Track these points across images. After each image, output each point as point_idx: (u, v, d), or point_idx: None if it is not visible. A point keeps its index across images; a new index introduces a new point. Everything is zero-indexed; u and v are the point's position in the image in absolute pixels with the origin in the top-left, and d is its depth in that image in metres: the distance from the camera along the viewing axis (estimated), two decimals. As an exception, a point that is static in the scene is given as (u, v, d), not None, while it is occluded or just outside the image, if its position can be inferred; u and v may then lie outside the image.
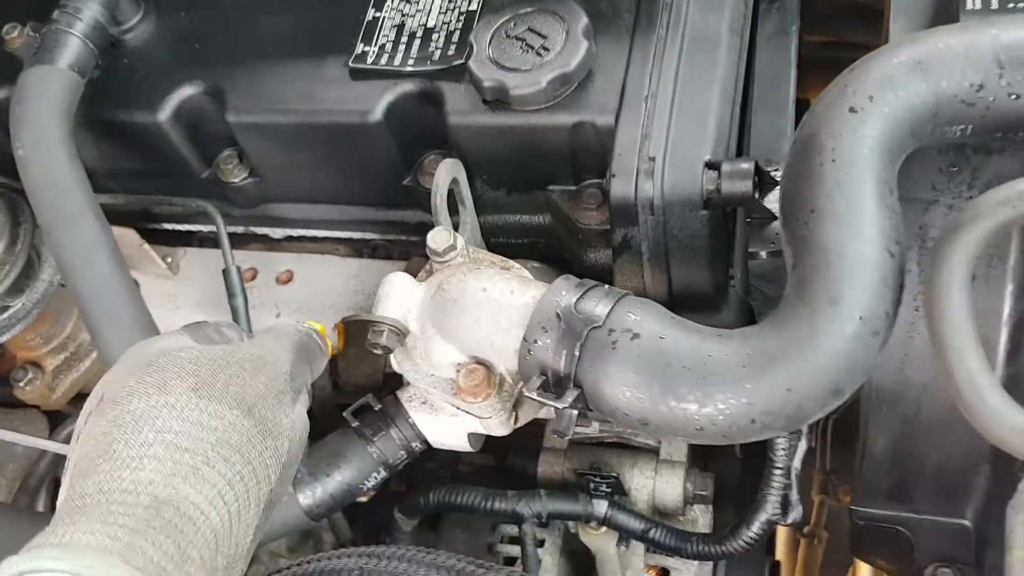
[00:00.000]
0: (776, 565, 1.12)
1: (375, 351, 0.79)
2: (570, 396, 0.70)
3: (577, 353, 0.70)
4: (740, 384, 0.66)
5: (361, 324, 0.80)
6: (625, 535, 0.91)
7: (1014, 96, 0.67)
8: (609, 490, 0.90)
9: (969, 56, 0.68)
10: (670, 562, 0.96)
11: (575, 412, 0.76)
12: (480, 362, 0.77)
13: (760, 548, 1.02)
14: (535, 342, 0.72)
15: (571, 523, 0.93)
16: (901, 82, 0.68)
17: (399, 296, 0.80)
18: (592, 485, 0.90)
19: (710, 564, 1.00)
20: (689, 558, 0.90)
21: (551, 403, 0.70)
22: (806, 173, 0.68)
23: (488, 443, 0.99)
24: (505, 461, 1.09)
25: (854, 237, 0.65)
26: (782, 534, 1.70)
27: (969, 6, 0.80)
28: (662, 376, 0.68)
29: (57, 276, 0.99)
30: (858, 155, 0.67)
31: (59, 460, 1.07)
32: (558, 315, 0.71)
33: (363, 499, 0.97)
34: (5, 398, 1.16)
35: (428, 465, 1.10)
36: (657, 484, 0.93)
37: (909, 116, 0.69)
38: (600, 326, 0.70)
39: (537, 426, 1.02)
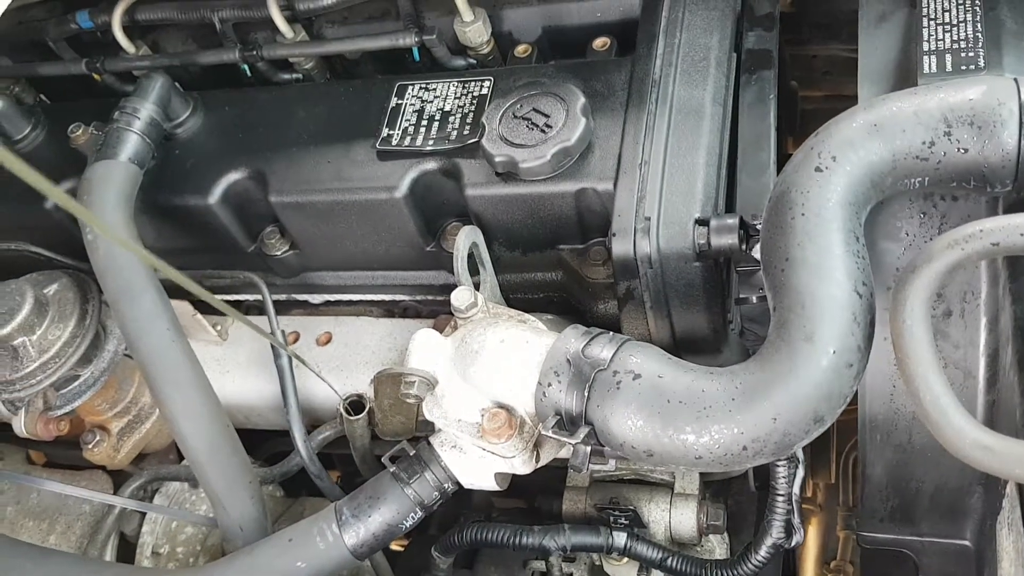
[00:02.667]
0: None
1: (408, 400, 0.88)
2: (582, 432, 0.78)
3: (586, 394, 0.79)
4: (731, 416, 0.74)
5: (395, 377, 0.89)
6: (645, 564, 0.98)
7: (962, 150, 0.76)
8: (628, 522, 0.97)
9: (919, 117, 0.77)
10: (688, 590, 1.03)
11: (588, 448, 0.85)
12: (502, 406, 0.86)
13: (771, 571, 1.09)
14: (549, 385, 0.81)
15: (595, 556, 1.01)
16: (860, 143, 0.78)
17: (427, 350, 0.89)
18: (612, 518, 0.98)
19: (727, 591, 1.06)
20: (703, 582, 0.98)
21: (566, 440, 0.79)
22: (780, 226, 0.77)
23: (517, 486, 1.07)
24: (533, 503, 1.17)
25: (824, 281, 0.74)
26: (810, 570, 1.75)
27: (926, 70, 0.89)
28: (662, 411, 0.76)
29: (121, 346, 1.09)
30: (824, 208, 0.76)
31: (123, 515, 1.16)
32: (568, 360, 0.80)
33: (397, 547, 1.06)
34: (72, 460, 1.26)
35: (464, 512, 1.18)
36: (673, 516, 1.00)
37: (869, 172, 0.78)
38: (605, 368, 0.79)
39: (562, 469, 1.10)
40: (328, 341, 1.18)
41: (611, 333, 0.84)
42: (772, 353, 0.75)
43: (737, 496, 1.17)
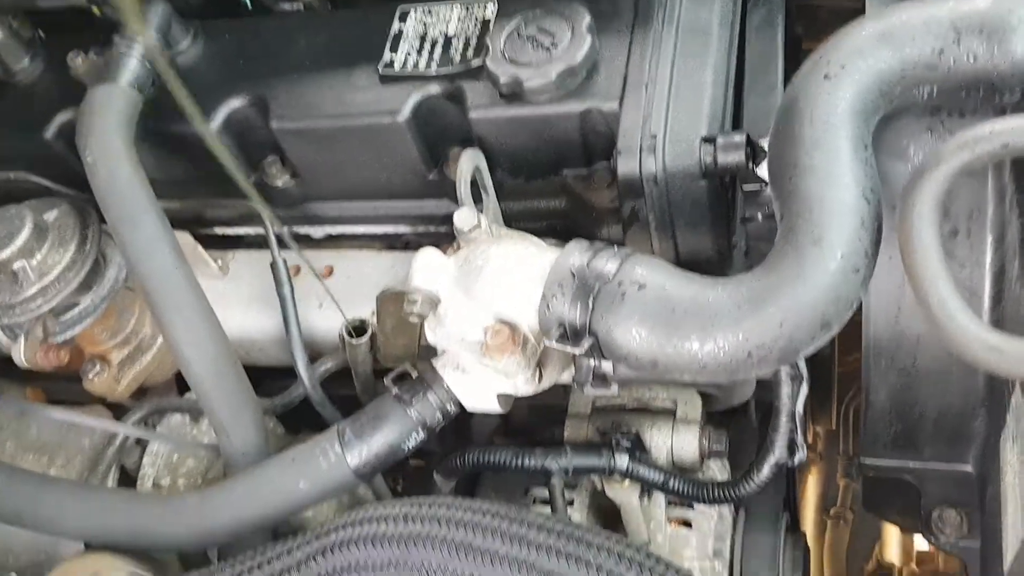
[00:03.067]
0: (801, 536, 1.18)
1: (411, 319, 0.88)
2: (586, 343, 0.78)
3: (591, 305, 0.78)
4: (736, 323, 0.74)
5: (397, 296, 0.88)
6: (646, 487, 0.98)
7: (972, 58, 0.75)
8: (630, 445, 0.97)
9: (928, 26, 0.76)
10: (691, 515, 1.03)
11: (592, 362, 0.85)
12: (505, 322, 0.85)
13: (775, 505, 1.10)
14: (553, 298, 0.80)
15: (597, 481, 1.01)
16: (869, 51, 0.77)
17: (430, 269, 0.89)
18: (614, 441, 0.98)
19: (729, 519, 1.07)
20: (706, 503, 0.98)
21: (570, 349, 0.78)
22: (788, 135, 0.77)
23: (520, 426, 1.07)
24: (535, 439, 1.17)
25: (832, 186, 0.73)
26: (810, 517, 1.76)
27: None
28: (667, 320, 0.76)
29: (122, 274, 1.09)
30: (833, 116, 0.76)
31: (124, 448, 1.16)
32: (572, 273, 0.80)
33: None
34: (72, 396, 1.26)
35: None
36: (675, 441, 1.00)
37: (877, 80, 0.77)
38: (610, 280, 0.79)
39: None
40: (330, 274, 1.17)
41: (616, 247, 0.83)
42: (779, 259, 0.75)
43: (739, 429, 1.17)
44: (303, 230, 1.17)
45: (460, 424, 1.25)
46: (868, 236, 0.73)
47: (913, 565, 1.60)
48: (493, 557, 0.80)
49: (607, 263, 0.80)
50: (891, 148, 0.89)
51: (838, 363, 1.59)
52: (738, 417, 1.16)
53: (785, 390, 0.88)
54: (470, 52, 0.99)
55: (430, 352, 0.97)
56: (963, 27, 0.75)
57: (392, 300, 0.92)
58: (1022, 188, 0.82)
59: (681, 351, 0.75)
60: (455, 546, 0.82)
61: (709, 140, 0.87)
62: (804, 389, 0.88)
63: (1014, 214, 0.83)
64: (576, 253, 0.82)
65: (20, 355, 1.08)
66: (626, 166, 0.89)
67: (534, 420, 1.21)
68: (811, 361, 1.31)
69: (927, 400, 0.96)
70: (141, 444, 1.18)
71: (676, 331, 0.75)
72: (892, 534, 1.69)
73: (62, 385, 1.27)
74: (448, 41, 1.02)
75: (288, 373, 1.12)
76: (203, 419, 1.18)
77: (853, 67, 0.77)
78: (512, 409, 1.19)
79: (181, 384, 1.24)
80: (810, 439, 1.65)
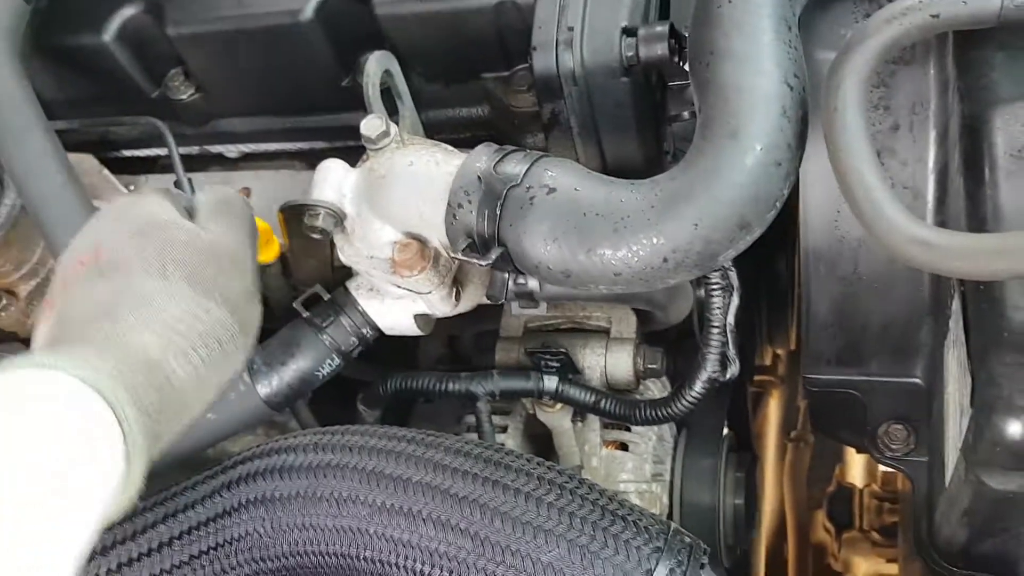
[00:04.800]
0: (747, 457, 1.14)
1: (313, 235, 0.82)
2: (494, 254, 0.72)
3: (498, 212, 0.72)
4: (650, 225, 0.68)
5: (299, 211, 0.82)
6: (578, 409, 0.93)
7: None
8: (558, 365, 0.92)
9: None
10: (628, 437, 0.98)
11: (507, 276, 0.79)
12: (414, 237, 0.79)
13: (717, 425, 1.05)
14: (459, 207, 0.74)
15: (529, 406, 0.96)
16: (792, -78, 0.70)
17: (334, 180, 0.82)
18: (543, 363, 0.93)
19: (669, 439, 1.02)
20: (639, 423, 0.93)
21: (476, 261, 0.72)
22: (707, 17, 0.70)
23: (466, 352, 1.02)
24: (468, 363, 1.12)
25: (751, 72, 0.67)
26: (771, 442, 1.72)
27: None
28: (578, 226, 0.70)
29: (19, 201, 1.01)
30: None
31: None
32: (479, 178, 0.74)
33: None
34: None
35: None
36: (608, 360, 0.95)
37: (802, -44, 0.70)
38: (518, 184, 0.72)
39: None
40: (248, 194, 1.10)
41: (526, 150, 0.77)
42: (695, 155, 0.69)
43: (685, 351, 1.12)
44: (215, 149, 1.10)
45: (405, 355, 1.20)
46: (791, 127, 0.67)
47: (875, 486, 1.58)
48: (407, 484, 0.76)
49: (514, 166, 0.73)
50: (825, 39, 0.82)
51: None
52: (683, 338, 1.11)
53: (716, 302, 0.83)
54: (375, -58, 0.91)
55: (345, 274, 0.91)
56: None
57: (295, 216, 0.85)
58: (963, 73, 0.76)
59: (593, 258, 0.69)
60: (367, 474, 0.77)
61: (630, 32, 0.80)
62: (735, 300, 0.82)
63: (956, 101, 0.77)
64: (484, 157, 0.75)
65: (-84, 290, 1.01)
66: (542, 63, 0.82)
67: (481, 348, 1.16)
68: (768, 279, 1.27)
69: (871, 310, 0.91)
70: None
71: (587, 237, 0.69)
72: (854, 456, 1.66)
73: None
74: (353, -69, 0.93)
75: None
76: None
77: (776, -59, 0.69)
78: (458, 338, 1.14)
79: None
80: (768, 361, 1.60)
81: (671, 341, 1.07)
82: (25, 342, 1.14)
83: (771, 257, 1.20)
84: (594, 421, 0.96)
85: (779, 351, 1.73)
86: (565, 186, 0.72)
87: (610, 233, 0.69)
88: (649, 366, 0.95)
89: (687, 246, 0.67)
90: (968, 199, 0.71)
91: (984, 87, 0.74)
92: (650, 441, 0.98)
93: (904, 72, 0.82)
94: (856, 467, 1.67)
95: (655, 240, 0.68)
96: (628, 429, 0.98)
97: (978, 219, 0.70)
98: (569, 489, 0.75)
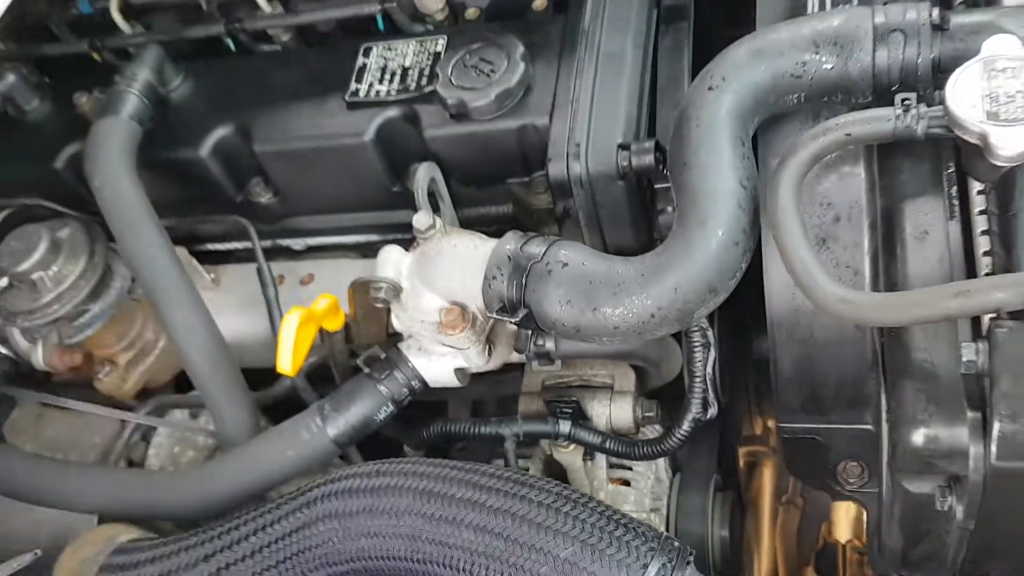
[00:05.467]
0: (731, 495, 1.30)
1: (377, 304, 1.03)
2: (520, 313, 0.93)
3: (524, 282, 0.94)
4: (641, 290, 0.89)
5: (365, 285, 1.04)
6: (588, 448, 1.13)
7: (828, 67, 0.92)
8: (571, 411, 1.12)
9: (793, 42, 0.93)
10: (630, 475, 1.17)
11: (529, 333, 1.00)
12: (456, 303, 1.01)
13: (707, 468, 1.24)
14: (493, 278, 0.96)
15: (547, 447, 1.16)
16: (745, 65, 0.93)
17: (393, 261, 1.05)
18: (558, 410, 1.13)
19: (666, 481, 1.21)
20: (639, 459, 1.12)
21: (507, 319, 0.94)
22: (681, 137, 0.93)
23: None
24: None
25: (713, 177, 0.89)
26: (766, 507, 1.89)
27: (810, 9, 1.05)
28: (585, 291, 0.91)
29: (126, 284, 1.24)
30: (716, 120, 0.92)
31: (131, 445, 1.30)
32: (509, 257, 0.96)
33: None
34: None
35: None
36: (612, 410, 1.15)
37: (753, 90, 0.93)
38: (539, 261, 0.94)
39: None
40: (310, 281, 1.32)
41: (545, 235, 0.99)
42: (673, 239, 0.91)
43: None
44: (285, 243, 1.33)
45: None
46: (746, 216, 0.89)
47: (856, 542, 1.73)
48: (451, 499, 0.95)
49: (536, 247, 0.95)
50: (776, 149, 1.05)
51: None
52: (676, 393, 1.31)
53: (698, 356, 1.03)
54: (424, 80, 1.16)
55: (397, 339, 1.12)
56: (821, 41, 0.92)
57: (361, 289, 1.07)
58: (883, 176, 0.98)
59: (597, 316, 0.91)
60: (418, 492, 0.96)
61: (624, 147, 1.03)
62: (713, 354, 1.03)
63: (878, 199, 0.99)
64: (512, 241, 0.97)
65: (39, 358, 1.23)
66: (556, 170, 1.05)
67: (502, 411, 1.35)
68: (755, 359, 1.47)
69: (826, 368, 1.10)
70: (146, 440, 1.32)
71: (592, 299, 0.91)
72: (839, 515, 1.82)
73: (73, 391, 1.41)
74: (405, 72, 1.18)
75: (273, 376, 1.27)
76: (202, 414, 1.33)
77: (732, 79, 0.93)
78: (483, 403, 1.34)
79: (180, 387, 1.38)
80: (759, 430, 1.79)
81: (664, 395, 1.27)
82: (121, 405, 1.34)
83: (754, 338, 1.41)
84: (601, 460, 1.16)
85: (769, 423, 1.93)
86: (575, 262, 0.94)
87: (610, 296, 0.90)
88: (646, 414, 1.15)
89: (669, 305, 0.89)
90: (885, 271, 0.93)
91: (895, 186, 0.97)
92: (649, 479, 1.17)
93: (843, 175, 1.04)
94: (841, 525, 1.83)
95: (645, 301, 0.89)
96: (630, 469, 1.18)
97: (892, 285, 0.91)
98: (580, 503, 0.94)
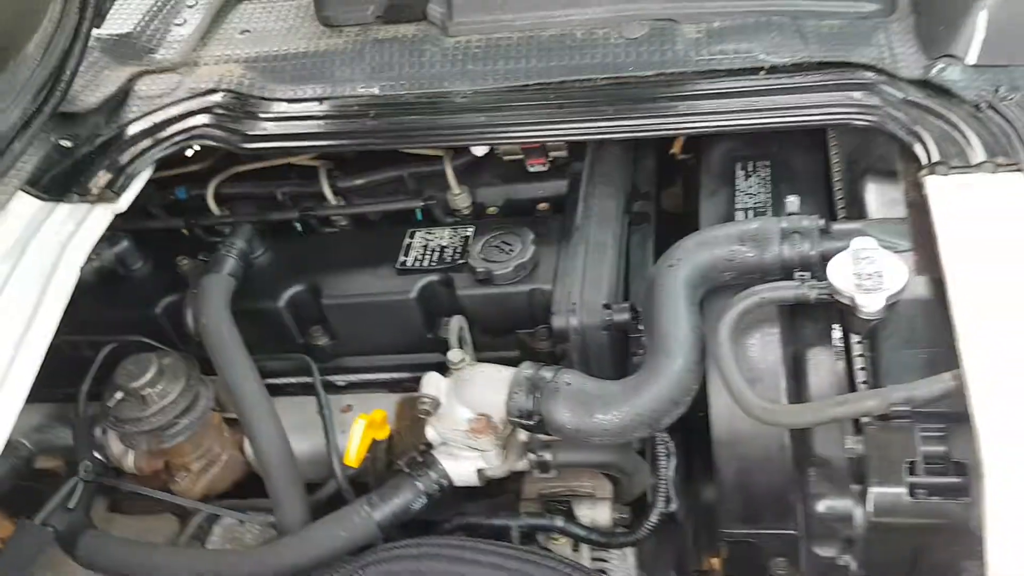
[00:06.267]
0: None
1: (420, 415, 1.37)
2: (534, 420, 1.28)
3: (538, 396, 1.29)
4: (624, 402, 1.25)
5: (412, 400, 1.38)
6: (575, 540, 1.44)
7: (750, 256, 1.33)
8: (564, 510, 1.44)
9: (727, 237, 1.34)
10: (608, 566, 1.48)
11: (540, 436, 1.34)
12: (483, 415, 1.35)
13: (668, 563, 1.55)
14: (515, 394, 1.31)
15: (543, 539, 1.46)
16: (694, 251, 1.34)
17: (434, 383, 1.39)
18: (552, 510, 1.45)
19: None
20: (616, 547, 1.44)
21: (524, 423, 1.28)
22: (650, 297, 1.32)
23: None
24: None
25: (674, 324, 1.28)
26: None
27: (738, 218, 1.48)
28: (584, 403, 1.27)
29: (210, 405, 1.55)
30: (674, 288, 1.31)
31: (191, 539, 1.57)
32: (527, 378, 1.31)
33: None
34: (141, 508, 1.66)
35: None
36: (594, 513, 1.47)
37: (699, 268, 1.34)
38: (550, 381, 1.30)
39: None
40: (348, 410, 1.65)
41: (553, 365, 1.35)
42: (645, 368, 1.28)
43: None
44: (331, 378, 1.67)
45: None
46: (696, 352, 1.27)
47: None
48: (476, 563, 1.25)
49: (547, 372, 1.32)
50: (717, 309, 1.44)
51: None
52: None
53: (662, 463, 1.38)
54: (457, 255, 1.56)
55: (430, 447, 1.45)
56: (745, 238, 1.33)
57: (408, 403, 1.41)
58: (791, 331, 1.37)
59: (592, 420, 1.26)
60: (451, 559, 1.27)
61: (607, 306, 1.42)
62: (673, 461, 1.38)
63: (788, 346, 1.38)
64: (529, 367, 1.34)
65: (130, 461, 1.52)
66: (558, 322, 1.43)
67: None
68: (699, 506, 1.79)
69: (759, 480, 1.45)
70: (199, 539, 1.58)
71: (589, 408, 1.26)
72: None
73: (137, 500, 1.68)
74: (442, 249, 1.58)
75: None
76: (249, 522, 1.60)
77: (685, 260, 1.34)
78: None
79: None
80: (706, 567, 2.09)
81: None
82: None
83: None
84: (585, 549, 1.46)
85: (713, 560, 2.22)
86: (576, 382, 1.30)
87: (602, 406, 1.26)
88: (620, 516, 1.47)
89: (644, 413, 1.24)
90: (794, 394, 1.31)
91: (800, 338, 1.36)
92: (627, 564, 1.48)
93: (764, 334, 1.43)
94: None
95: (627, 410, 1.25)
96: (606, 561, 1.48)
97: (797, 402, 1.29)
98: (579, 570, 1.25)
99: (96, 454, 1.56)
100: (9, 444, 1.50)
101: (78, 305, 1.53)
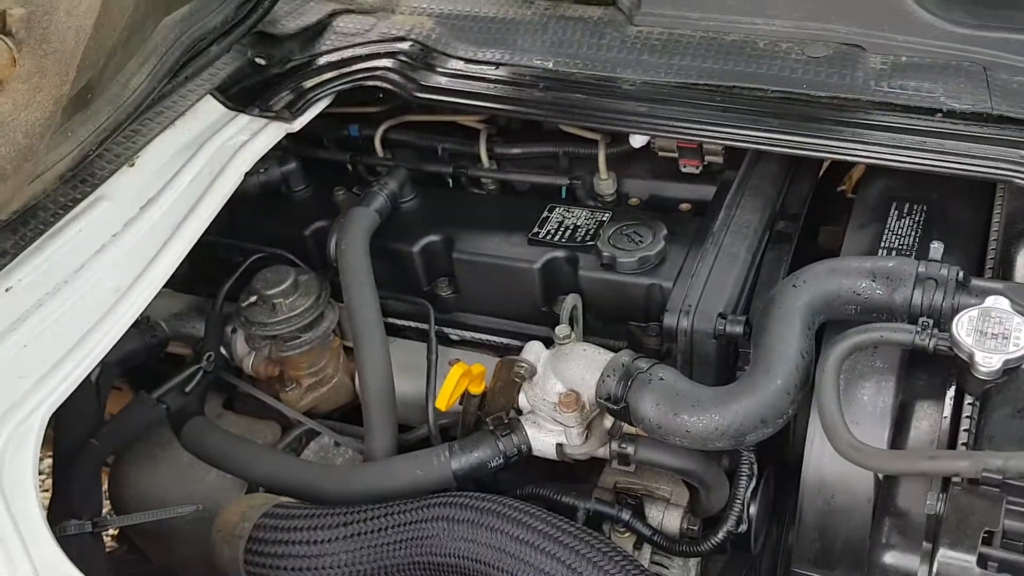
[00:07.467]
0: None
1: (515, 379, 1.40)
2: (621, 405, 1.29)
3: (628, 384, 1.30)
4: (712, 409, 1.24)
5: (510, 363, 1.42)
6: (639, 538, 1.43)
7: (880, 293, 1.28)
8: (634, 504, 1.44)
9: (859, 270, 1.30)
10: (667, 573, 1.46)
11: (623, 424, 1.35)
12: (574, 390, 1.37)
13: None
14: (607, 377, 1.32)
15: (607, 530, 1.46)
16: (823, 277, 1.31)
17: (536, 351, 1.42)
18: (624, 501, 1.45)
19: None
20: (677, 555, 1.42)
21: (610, 407, 1.29)
22: (766, 312, 1.30)
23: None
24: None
25: (782, 343, 1.25)
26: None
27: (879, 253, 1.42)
28: (671, 400, 1.26)
29: (332, 326, 1.65)
30: (793, 307, 1.28)
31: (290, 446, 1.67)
32: (622, 365, 1.32)
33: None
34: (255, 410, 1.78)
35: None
36: (665, 516, 1.46)
37: (824, 294, 1.30)
38: (643, 372, 1.30)
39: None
40: (455, 363, 1.70)
41: (650, 358, 1.35)
42: (744, 379, 1.26)
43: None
44: (446, 330, 1.73)
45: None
46: (799, 376, 1.23)
47: None
48: (534, 529, 1.26)
49: (643, 363, 1.32)
50: (834, 342, 1.39)
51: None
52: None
53: (742, 481, 1.35)
54: (588, 237, 1.58)
55: (518, 414, 1.48)
56: (878, 274, 1.29)
57: (506, 364, 1.45)
58: (906, 381, 1.31)
59: (676, 419, 1.25)
60: (510, 519, 1.28)
61: (723, 316, 1.41)
62: (752, 483, 1.35)
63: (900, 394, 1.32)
64: (626, 355, 1.34)
65: (251, 362, 1.64)
66: (669, 320, 1.42)
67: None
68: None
69: (838, 527, 1.40)
70: (295, 451, 1.68)
71: (675, 406, 1.26)
72: None
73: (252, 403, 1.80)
74: (576, 228, 1.61)
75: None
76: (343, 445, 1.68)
77: (811, 283, 1.30)
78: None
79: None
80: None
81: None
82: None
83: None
84: (647, 550, 1.45)
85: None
86: (669, 379, 1.29)
87: (689, 407, 1.25)
88: (690, 527, 1.46)
89: (729, 425, 1.22)
90: (893, 442, 1.25)
91: (912, 388, 1.30)
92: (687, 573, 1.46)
93: (879, 379, 1.38)
94: None
95: (713, 417, 1.23)
96: (667, 568, 1.47)
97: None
98: (631, 562, 1.24)
99: (222, 350, 1.68)
100: (148, 323, 1.66)
101: (238, 213, 1.68)
